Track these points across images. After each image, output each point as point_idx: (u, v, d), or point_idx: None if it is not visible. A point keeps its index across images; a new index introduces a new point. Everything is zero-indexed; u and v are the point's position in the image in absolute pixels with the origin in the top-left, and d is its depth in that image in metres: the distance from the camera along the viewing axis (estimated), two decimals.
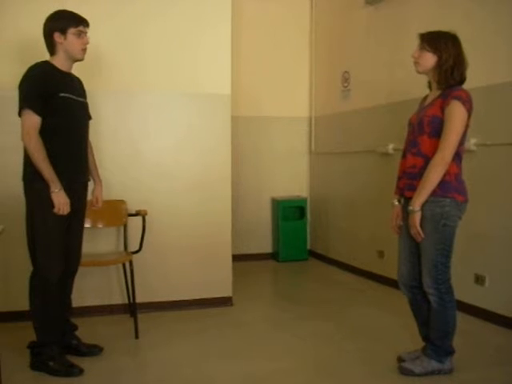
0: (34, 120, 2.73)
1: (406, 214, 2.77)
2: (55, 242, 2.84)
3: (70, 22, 2.83)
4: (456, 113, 2.57)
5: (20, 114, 2.76)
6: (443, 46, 2.65)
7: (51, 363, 2.85)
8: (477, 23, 3.72)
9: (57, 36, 2.82)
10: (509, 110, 3.50)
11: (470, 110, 2.61)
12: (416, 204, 2.64)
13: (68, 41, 2.83)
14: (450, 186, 2.62)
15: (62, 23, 2.82)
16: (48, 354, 2.86)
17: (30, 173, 2.83)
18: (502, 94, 3.55)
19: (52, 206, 2.77)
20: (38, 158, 2.73)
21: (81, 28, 2.86)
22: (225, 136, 4.10)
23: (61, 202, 2.77)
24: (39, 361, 2.88)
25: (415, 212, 2.64)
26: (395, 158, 4.57)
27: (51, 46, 2.86)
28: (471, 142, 3.62)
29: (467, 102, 2.59)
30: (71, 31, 2.83)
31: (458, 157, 2.66)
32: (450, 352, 2.78)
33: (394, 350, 3.10)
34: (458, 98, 2.57)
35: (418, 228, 2.65)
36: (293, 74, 5.99)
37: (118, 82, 3.83)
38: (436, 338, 2.76)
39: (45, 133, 2.78)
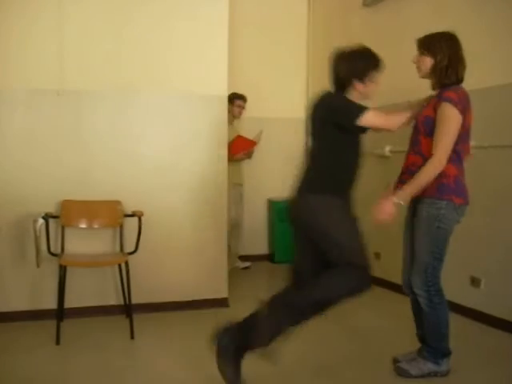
0: (373, 112, 2.67)
1: (409, 213, 2.76)
2: (360, 241, 2.67)
3: (374, 67, 2.75)
4: (446, 115, 2.56)
5: (360, 123, 2.64)
6: (438, 47, 2.66)
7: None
8: (473, 25, 3.73)
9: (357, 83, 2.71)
10: (504, 112, 3.51)
11: (463, 110, 2.58)
12: (399, 195, 2.61)
13: (367, 87, 2.75)
14: (448, 188, 2.62)
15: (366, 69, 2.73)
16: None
17: (327, 186, 2.67)
18: (498, 97, 3.56)
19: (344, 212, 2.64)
20: (394, 122, 2.75)
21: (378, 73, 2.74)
22: (221, 137, 4.09)
23: None
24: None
25: (394, 202, 2.59)
26: (392, 160, 4.58)
27: (344, 86, 2.74)
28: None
29: (459, 103, 2.56)
30: (371, 77, 2.73)
31: (457, 158, 2.64)
32: (446, 353, 2.79)
33: (390, 351, 3.10)
34: (448, 100, 2.56)
35: (385, 216, 2.60)
36: (290, 75, 6.00)
37: (114, 82, 3.82)
38: (432, 341, 2.77)
39: (341, 146, 2.69)
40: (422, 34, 4.39)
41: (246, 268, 5.51)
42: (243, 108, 5.42)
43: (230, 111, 5.32)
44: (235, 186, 5.28)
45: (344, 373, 2.90)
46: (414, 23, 4.30)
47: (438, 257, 2.68)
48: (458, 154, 2.63)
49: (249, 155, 5.43)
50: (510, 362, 3.09)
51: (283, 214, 5.76)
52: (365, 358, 3.10)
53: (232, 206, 5.20)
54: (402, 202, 2.62)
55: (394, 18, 4.59)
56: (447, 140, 2.56)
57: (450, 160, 2.60)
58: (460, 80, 2.68)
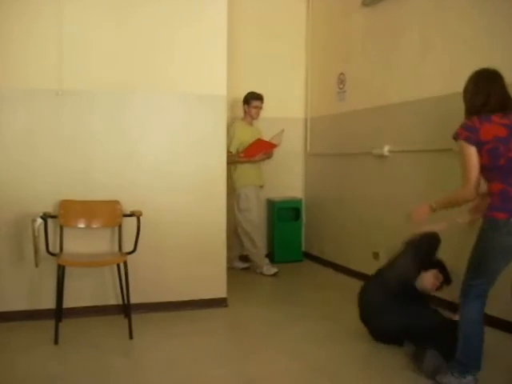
0: None
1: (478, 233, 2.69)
2: None
3: None
4: (460, 150, 2.61)
5: None
6: (466, 85, 2.70)
7: None
8: (472, 25, 3.73)
9: None
10: None
11: (470, 135, 2.56)
12: (436, 201, 2.75)
13: None
14: (492, 206, 2.59)
15: None
16: None
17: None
18: None
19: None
20: None
21: None
22: (220, 137, 4.09)
23: None
24: None
25: (430, 205, 2.74)
26: (390, 159, 4.58)
27: None
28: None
29: (463, 132, 2.58)
30: None
31: (499, 173, 2.58)
32: (466, 368, 2.67)
33: (389, 350, 3.12)
34: (456, 136, 2.61)
35: (418, 217, 2.79)
36: (289, 75, 6.00)
37: (112, 82, 3.82)
38: (457, 352, 2.71)
39: None
40: (420, 34, 4.42)
41: (245, 268, 5.50)
42: (261, 108, 5.29)
43: (247, 112, 5.29)
44: (256, 188, 5.27)
45: (342, 372, 2.90)
46: (413, 23, 4.30)
47: (471, 268, 2.67)
48: (497, 168, 2.57)
49: (269, 156, 5.38)
50: (510, 362, 3.09)
51: (282, 214, 5.80)
52: (364, 357, 3.11)
53: (254, 209, 5.18)
54: (434, 205, 2.75)
55: (393, 18, 4.58)
56: (466, 171, 2.59)
57: (493, 179, 2.59)
58: (472, 110, 2.64)
